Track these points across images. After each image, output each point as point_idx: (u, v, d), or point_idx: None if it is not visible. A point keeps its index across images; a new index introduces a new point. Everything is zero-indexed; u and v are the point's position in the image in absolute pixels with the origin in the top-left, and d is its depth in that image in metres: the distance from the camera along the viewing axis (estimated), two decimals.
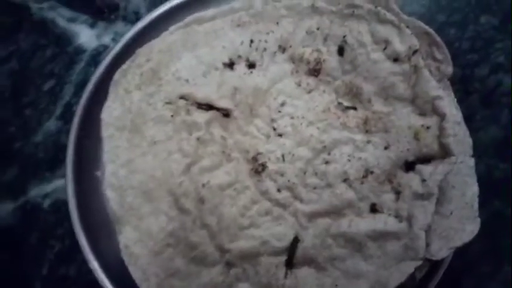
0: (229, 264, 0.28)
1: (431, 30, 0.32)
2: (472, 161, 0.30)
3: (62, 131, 0.38)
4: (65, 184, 0.32)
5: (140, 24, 0.35)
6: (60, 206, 0.36)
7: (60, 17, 0.41)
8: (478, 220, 0.27)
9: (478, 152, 0.32)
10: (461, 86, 0.39)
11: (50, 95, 0.40)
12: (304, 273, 0.28)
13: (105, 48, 0.40)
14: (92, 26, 0.41)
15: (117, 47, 0.35)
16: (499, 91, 0.39)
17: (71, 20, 0.41)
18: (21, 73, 0.40)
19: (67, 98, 0.39)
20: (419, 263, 0.26)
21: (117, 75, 0.33)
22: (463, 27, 0.42)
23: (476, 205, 0.28)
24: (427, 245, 0.27)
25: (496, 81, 0.40)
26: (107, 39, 0.41)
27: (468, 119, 0.30)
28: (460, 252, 0.30)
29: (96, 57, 0.41)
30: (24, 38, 0.41)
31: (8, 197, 0.37)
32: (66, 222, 0.31)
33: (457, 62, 0.39)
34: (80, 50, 0.41)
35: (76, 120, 0.33)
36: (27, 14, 0.41)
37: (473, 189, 0.28)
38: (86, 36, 0.41)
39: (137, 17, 0.41)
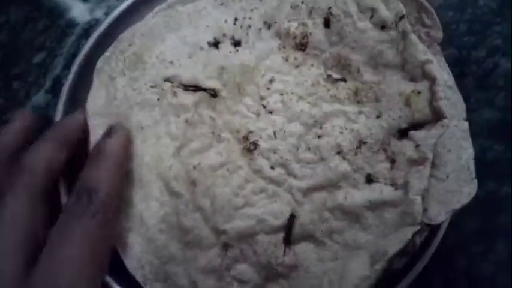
0: (226, 246, 0.28)
1: None
2: (466, 125, 0.29)
3: (51, 105, 0.38)
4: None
5: None
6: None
7: None
8: (475, 182, 0.27)
9: (472, 133, 0.32)
10: (457, 68, 0.39)
11: (39, 68, 0.39)
12: (303, 249, 0.28)
13: (97, 22, 0.40)
14: (85, 0, 0.41)
15: (108, 20, 0.34)
16: (495, 74, 0.39)
17: None
18: (11, 45, 0.40)
19: (57, 71, 0.39)
20: (418, 228, 0.26)
21: (100, 63, 0.32)
22: (461, 9, 0.41)
23: (472, 167, 0.27)
24: (425, 209, 0.26)
25: (492, 63, 0.39)
26: (99, 14, 0.41)
27: (464, 100, 0.30)
28: (453, 231, 0.29)
29: (88, 31, 0.40)
30: (15, 10, 0.41)
31: None
32: (55, 193, 0.30)
33: (454, 44, 0.39)
34: (71, 24, 0.40)
35: (62, 103, 0.33)
36: None
37: (469, 151, 0.28)
38: (78, 10, 0.41)
39: None
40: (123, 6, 0.35)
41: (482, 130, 0.36)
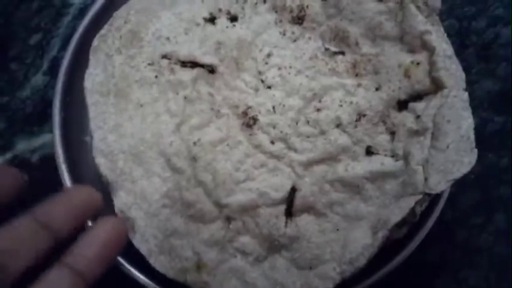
0: (228, 219, 0.28)
1: None
2: (465, 95, 0.29)
3: (49, 86, 0.38)
4: (55, 151, 0.31)
5: None
6: (49, 161, 0.36)
7: None
8: (475, 151, 0.27)
9: (472, 105, 0.32)
10: (457, 38, 0.39)
11: (36, 49, 0.39)
12: (304, 220, 0.28)
13: (92, 1, 0.39)
14: None
15: None
16: (497, 44, 0.39)
17: None
18: (6, 27, 0.39)
19: (54, 52, 0.39)
20: (419, 197, 0.26)
21: (96, 41, 0.31)
22: None
23: (472, 137, 0.27)
24: (425, 179, 0.26)
25: (493, 34, 0.39)
26: None
27: (464, 71, 0.30)
28: (452, 205, 0.29)
29: (83, 10, 0.40)
30: None
31: None
32: (56, 175, 0.30)
33: (454, 14, 0.39)
34: (67, 4, 0.40)
35: (60, 82, 0.32)
36: None
37: (469, 121, 0.28)
38: None
39: None
40: None
41: (482, 102, 0.36)
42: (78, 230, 0.24)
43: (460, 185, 0.29)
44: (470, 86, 0.36)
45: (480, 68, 0.37)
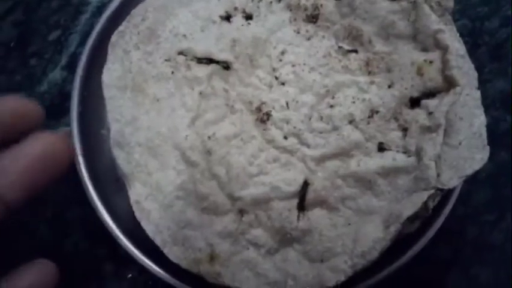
0: (241, 212, 0.29)
1: None
2: (478, 93, 0.29)
3: (67, 81, 0.39)
4: (72, 143, 0.31)
5: None
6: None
7: None
8: (487, 148, 0.27)
9: (484, 104, 0.32)
10: (470, 39, 0.39)
11: (55, 45, 0.40)
12: (316, 214, 0.28)
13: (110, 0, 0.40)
14: None
15: None
16: (509, 44, 0.39)
17: None
18: (26, 24, 0.40)
19: (72, 48, 0.40)
20: (432, 192, 0.26)
21: (114, 37, 0.32)
22: None
23: (484, 134, 0.28)
24: (438, 175, 0.26)
25: (506, 34, 0.39)
26: None
27: (477, 71, 0.30)
28: (464, 202, 0.29)
29: (101, 8, 0.41)
30: None
31: None
32: (72, 168, 0.31)
33: (466, 15, 0.39)
34: (85, 2, 0.41)
35: (78, 77, 0.33)
36: None
37: (481, 119, 0.28)
38: None
39: None
40: None
41: (495, 101, 0.37)
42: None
43: (472, 183, 0.29)
44: (482, 85, 0.36)
45: (493, 68, 0.38)
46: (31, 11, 0.40)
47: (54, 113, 0.38)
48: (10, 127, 0.21)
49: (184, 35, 0.32)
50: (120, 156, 0.30)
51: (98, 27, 0.35)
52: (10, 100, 0.22)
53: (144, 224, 0.28)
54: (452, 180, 0.26)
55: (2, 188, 0.19)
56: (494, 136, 0.35)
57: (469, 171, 0.27)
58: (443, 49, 0.29)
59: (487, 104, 0.36)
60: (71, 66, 0.39)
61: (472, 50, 0.38)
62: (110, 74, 0.31)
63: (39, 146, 0.20)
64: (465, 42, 0.31)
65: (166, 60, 0.32)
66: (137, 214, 0.28)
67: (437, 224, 0.28)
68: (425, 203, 0.26)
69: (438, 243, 0.29)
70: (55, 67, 0.39)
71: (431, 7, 0.30)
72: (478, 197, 0.35)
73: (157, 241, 0.28)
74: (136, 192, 0.29)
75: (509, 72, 0.38)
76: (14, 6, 0.40)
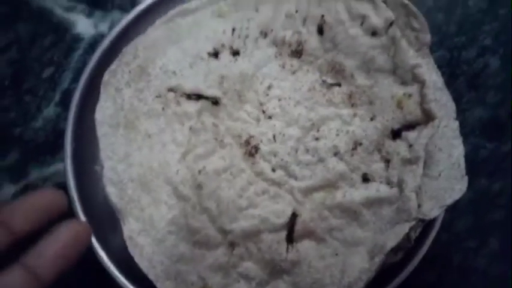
0: (232, 245, 0.29)
1: (407, 2, 0.33)
2: (456, 124, 0.31)
3: (61, 117, 0.40)
4: (66, 180, 0.32)
5: (134, 12, 0.36)
6: (60, 189, 0.37)
7: (58, 6, 0.42)
8: (466, 178, 0.28)
9: (464, 132, 0.33)
10: (448, 69, 0.41)
11: (49, 82, 0.41)
12: (305, 246, 0.29)
13: (102, 36, 0.41)
14: (89, 15, 0.42)
15: (112, 34, 0.36)
16: (486, 73, 0.41)
17: (68, 9, 0.42)
18: (21, 61, 0.41)
19: (66, 84, 0.41)
20: (413, 223, 0.27)
21: (106, 76, 0.33)
22: (450, 10, 0.43)
23: (463, 164, 0.29)
24: (419, 206, 0.28)
25: (483, 63, 0.41)
26: (103, 28, 0.42)
27: (455, 101, 0.31)
28: (447, 230, 0.30)
29: (93, 45, 0.42)
30: (23, 27, 0.42)
31: (9, 181, 0.38)
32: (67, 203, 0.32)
33: (444, 45, 0.41)
34: (77, 38, 0.42)
35: (72, 114, 0.34)
36: (25, 3, 0.42)
37: (459, 149, 0.30)
38: (83, 25, 0.42)
39: (132, 6, 0.42)
40: (125, 21, 0.36)
41: (474, 129, 0.38)
42: (40, 231, 0.24)
43: (454, 210, 0.30)
44: (461, 114, 0.37)
45: (471, 97, 0.39)
46: (25, 49, 0.41)
47: (49, 149, 0.39)
48: (45, 219, 0.25)
49: (174, 72, 0.34)
50: (113, 193, 0.30)
51: (90, 64, 0.36)
52: (45, 194, 0.26)
53: (138, 259, 0.29)
54: (433, 210, 0.27)
55: (39, 269, 0.23)
56: (474, 163, 0.37)
57: (449, 201, 0.28)
58: (421, 83, 0.31)
59: (467, 132, 0.38)
60: (65, 103, 0.40)
61: (450, 80, 0.39)
62: (103, 112, 0.32)
63: (68, 233, 0.24)
64: (443, 73, 0.32)
65: (156, 96, 0.33)
66: (130, 249, 0.29)
67: (421, 252, 0.29)
68: (407, 234, 0.27)
69: (423, 269, 0.30)
70: (49, 104, 0.40)
71: (409, 42, 0.32)
72: (460, 223, 0.36)
73: (151, 276, 0.29)
74: (130, 228, 0.30)
75: (486, 100, 0.39)
76: (9, 45, 0.41)
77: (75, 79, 0.40)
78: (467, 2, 0.42)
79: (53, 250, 0.23)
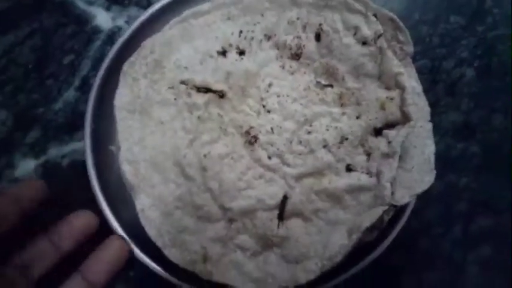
0: (230, 220, 0.34)
1: (395, 17, 0.37)
2: (430, 125, 0.35)
3: (80, 100, 0.44)
4: (85, 157, 0.36)
5: (152, 10, 0.40)
6: (77, 166, 0.42)
7: None
8: (434, 172, 0.33)
9: (439, 133, 0.37)
10: (429, 76, 0.45)
11: (69, 68, 0.44)
12: (293, 224, 0.34)
13: (119, 29, 0.45)
14: (108, 9, 0.46)
15: (131, 28, 0.40)
16: (462, 82, 0.45)
17: (89, 3, 0.46)
18: (43, 48, 0.45)
19: (85, 71, 0.44)
20: (386, 207, 0.32)
21: (125, 66, 0.37)
22: (434, 25, 0.47)
23: (432, 160, 0.33)
24: (392, 193, 0.32)
25: (460, 73, 0.45)
26: (121, 22, 0.46)
27: (433, 104, 0.35)
28: (417, 217, 0.34)
29: (111, 37, 0.46)
30: (46, 17, 0.46)
31: (31, 156, 0.42)
32: (82, 179, 0.36)
33: (427, 55, 0.45)
34: (97, 30, 0.46)
35: (92, 98, 0.38)
36: None
37: (431, 148, 0.34)
38: (102, 18, 0.46)
39: (148, 3, 0.47)
40: (142, 17, 0.40)
41: (448, 130, 0.42)
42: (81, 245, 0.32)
43: (425, 200, 0.34)
44: (438, 116, 0.42)
45: (447, 102, 0.44)
46: (48, 37, 0.45)
47: (68, 129, 0.43)
48: (83, 239, 0.32)
49: (186, 67, 0.38)
50: (128, 171, 0.35)
51: (110, 54, 0.39)
52: (82, 216, 0.33)
53: (148, 229, 0.33)
54: (404, 198, 0.32)
55: (94, 276, 0.30)
56: (447, 160, 0.42)
57: (418, 190, 0.32)
58: (402, 89, 0.35)
59: (442, 133, 0.42)
60: (83, 88, 0.44)
61: (431, 86, 0.44)
62: (121, 99, 0.37)
63: (114, 250, 0.32)
64: (425, 79, 0.36)
65: (169, 88, 0.37)
66: (142, 221, 0.34)
67: (392, 235, 0.34)
68: (381, 217, 0.32)
69: (394, 252, 0.34)
70: (69, 88, 0.44)
71: (394, 52, 0.36)
72: (430, 212, 0.41)
73: (159, 243, 0.33)
74: (142, 202, 0.34)
75: (460, 106, 0.44)
76: (32, 33, 0.45)
77: (94, 67, 0.44)
78: (449, 18, 0.47)
79: (103, 265, 0.30)
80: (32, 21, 0.46)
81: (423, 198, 0.35)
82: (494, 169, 0.42)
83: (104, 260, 0.31)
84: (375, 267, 0.34)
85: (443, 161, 0.33)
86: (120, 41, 0.40)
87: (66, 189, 0.40)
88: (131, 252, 0.33)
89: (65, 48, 0.45)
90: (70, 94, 0.44)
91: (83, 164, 0.37)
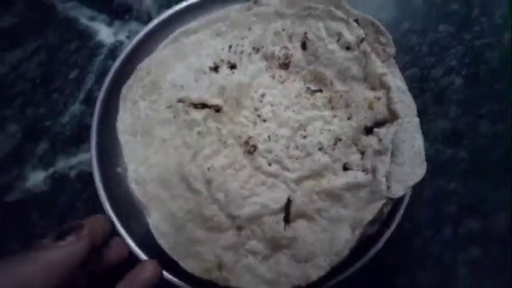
0: (239, 228, 0.36)
1: (375, 21, 0.39)
2: (417, 120, 0.37)
3: (85, 113, 0.46)
4: (94, 180, 0.38)
5: (151, 25, 0.42)
6: (84, 176, 0.44)
7: (82, 15, 0.48)
8: (425, 164, 0.35)
9: (429, 139, 0.38)
10: (418, 84, 0.47)
11: (74, 83, 0.47)
12: (299, 225, 0.36)
13: (121, 44, 0.48)
14: (110, 24, 0.48)
15: (131, 44, 0.41)
16: (450, 90, 0.47)
17: (91, 19, 0.48)
18: (49, 63, 0.47)
19: (89, 85, 0.47)
20: (384, 201, 0.34)
21: (124, 90, 0.39)
22: (423, 34, 0.49)
23: (423, 153, 0.36)
24: (388, 187, 0.34)
25: (448, 81, 0.47)
26: (122, 37, 0.48)
27: (422, 112, 0.37)
28: (409, 218, 0.36)
29: (113, 51, 0.48)
30: (51, 33, 0.48)
31: (40, 168, 0.44)
32: (90, 189, 0.38)
33: (416, 64, 0.47)
34: (99, 45, 0.48)
35: (96, 113, 0.39)
36: (54, 12, 0.48)
37: (420, 141, 0.36)
38: (104, 33, 0.48)
39: (149, 18, 0.49)
40: (142, 33, 0.42)
41: (437, 137, 0.44)
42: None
43: (415, 203, 0.36)
44: (427, 124, 0.45)
45: (436, 110, 0.46)
46: (53, 53, 0.47)
47: (74, 142, 0.45)
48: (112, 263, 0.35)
49: (182, 86, 0.39)
50: (137, 191, 0.36)
51: (112, 70, 0.40)
52: (116, 243, 0.35)
53: (162, 244, 0.35)
54: (399, 191, 0.34)
55: None
56: (436, 165, 0.44)
57: (411, 183, 0.35)
58: (387, 88, 0.37)
59: (431, 140, 0.45)
60: (88, 101, 0.46)
61: (420, 94, 0.46)
62: (123, 122, 0.38)
63: (147, 272, 0.32)
64: (414, 88, 0.38)
65: (167, 107, 0.39)
66: (156, 236, 0.35)
67: (387, 234, 0.36)
68: (380, 210, 0.34)
69: (387, 253, 0.36)
70: (74, 102, 0.46)
71: (377, 54, 0.39)
72: (421, 215, 0.43)
73: (174, 256, 0.35)
74: (154, 219, 0.36)
75: (449, 114, 0.46)
76: (39, 48, 0.47)
77: (98, 81, 0.46)
78: (438, 27, 0.49)
79: (139, 284, 0.31)
80: (37, 38, 0.47)
81: (413, 201, 0.37)
82: (482, 174, 0.44)
83: (140, 279, 0.32)
84: (369, 268, 0.35)
85: (433, 166, 0.35)
86: (121, 57, 0.41)
87: (73, 200, 0.42)
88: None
89: (69, 63, 0.47)
90: (76, 107, 0.45)
91: (90, 176, 0.38)
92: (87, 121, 0.40)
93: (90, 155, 0.38)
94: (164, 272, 0.35)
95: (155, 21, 0.42)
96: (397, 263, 0.42)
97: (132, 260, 0.35)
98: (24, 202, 0.43)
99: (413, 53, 0.47)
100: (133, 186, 0.36)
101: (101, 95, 0.40)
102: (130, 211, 0.38)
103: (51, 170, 0.44)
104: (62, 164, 0.44)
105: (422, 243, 0.43)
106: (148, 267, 0.32)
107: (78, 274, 0.29)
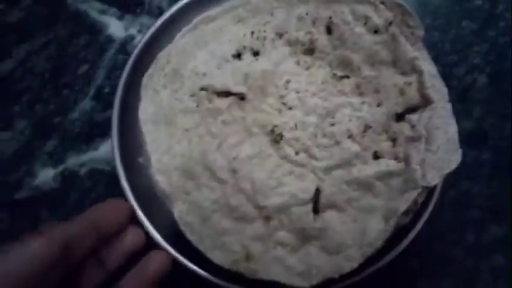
0: (267, 218, 0.35)
1: (403, 3, 0.38)
2: (449, 105, 0.36)
3: (96, 110, 0.44)
4: (116, 171, 0.36)
5: (163, 17, 0.41)
6: (94, 174, 0.43)
7: (92, 9, 0.47)
8: (460, 151, 0.34)
9: None
10: None
11: (84, 78, 0.45)
12: (329, 215, 0.34)
13: (132, 38, 0.46)
14: (120, 18, 0.47)
15: (145, 38, 0.40)
16: (473, 89, 0.45)
17: (102, 12, 0.47)
18: (58, 58, 0.46)
19: (99, 81, 0.45)
20: (420, 190, 0.33)
21: (145, 79, 0.38)
22: (446, 30, 0.47)
23: (457, 139, 0.34)
24: (423, 175, 0.33)
25: (471, 79, 0.45)
26: (133, 31, 0.47)
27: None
28: (431, 223, 0.35)
29: (124, 46, 0.46)
30: (61, 27, 0.47)
31: (49, 165, 0.43)
32: (100, 186, 0.36)
33: (439, 61, 0.45)
34: (110, 39, 0.47)
35: (116, 108, 0.38)
36: (63, 5, 0.47)
37: (453, 127, 0.35)
38: (115, 27, 0.47)
39: (160, 11, 0.47)
40: (155, 26, 0.41)
41: (460, 138, 0.42)
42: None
43: (438, 207, 0.34)
44: None
45: (459, 109, 0.43)
46: (62, 47, 0.46)
47: (84, 139, 0.44)
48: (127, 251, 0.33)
49: (204, 73, 0.38)
50: (161, 181, 0.35)
51: (128, 66, 0.39)
52: (131, 232, 0.33)
53: (188, 235, 0.34)
54: (434, 179, 0.33)
55: None
56: (458, 167, 0.42)
57: (447, 170, 0.33)
58: (419, 72, 0.36)
59: None
60: (99, 97, 0.44)
61: None
62: (145, 111, 0.37)
63: (157, 263, 0.32)
64: None
65: (191, 95, 0.38)
66: (182, 227, 0.34)
67: (408, 239, 0.34)
68: (415, 199, 0.32)
69: (408, 258, 0.35)
70: (84, 97, 0.44)
71: (406, 38, 0.37)
72: (443, 219, 0.41)
73: (201, 248, 0.34)
74: (179, 209, 0.35)
75: (472, 113, 0.44)
76: (48, 43, 0.46)
77: (108, 76, 0.45)
78: (460, 23, 0.47)
79: (148, 276, 0.31)
80: (47, 32, 0.46)
81: (436, 205, 0.35)
82: (507, 176, 0.42)
83: (149, 271, 0.31)
84: (388, 272, 0.34)
85: (455, 168, 0.33)
86: (136, 50, 0.40)
87: (84, 198, 0.41)
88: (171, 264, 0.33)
89: (79, 58, 0.46)
90: (86, 104, 0.44)
91: (100, 173, 0.37)
92: (97, 118, 0.39)
93: (112, 145, 0.37)
94: (190, 264, 0.35)
95: (174, 8, 0.41)
96: (418, 268, 0.40)
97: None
98: (33, 199, 0.43)
99: (435, 50, 0.46)
100: (157, 176, 0.35)
101: (121, 83, 0.39)
102: (153, 202, 0.37)
103: (60, 167, 0.43)
104: (71, 161, 0.43)
105: (444, 248, 0.41)
106: (157, 258, 0.31)
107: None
